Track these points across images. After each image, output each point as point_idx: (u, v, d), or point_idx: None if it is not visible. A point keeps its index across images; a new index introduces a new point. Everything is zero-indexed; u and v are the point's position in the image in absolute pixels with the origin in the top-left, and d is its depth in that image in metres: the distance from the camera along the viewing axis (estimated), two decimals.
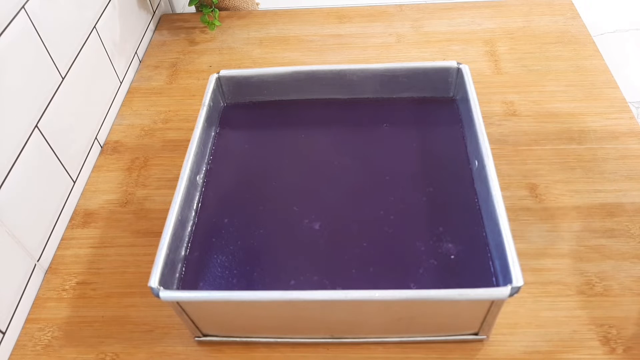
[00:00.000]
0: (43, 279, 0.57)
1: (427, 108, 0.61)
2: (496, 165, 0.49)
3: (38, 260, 0.56)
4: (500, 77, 0.75)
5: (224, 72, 0.61)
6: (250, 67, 0.80)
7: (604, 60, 0.76)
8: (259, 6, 0.95)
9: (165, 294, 0.43)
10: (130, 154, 0.69)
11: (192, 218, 0.53)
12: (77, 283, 0.56)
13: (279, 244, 0.51)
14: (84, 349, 0.51)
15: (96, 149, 0.69)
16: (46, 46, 0.58)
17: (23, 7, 0.55)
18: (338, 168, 0.57)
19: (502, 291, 0.42)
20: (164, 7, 0.93)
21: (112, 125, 0.73)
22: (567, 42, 0.79)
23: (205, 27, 0.87)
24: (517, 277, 0.42)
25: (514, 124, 0.68)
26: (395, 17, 0.86)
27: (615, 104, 0.69)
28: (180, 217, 0.49)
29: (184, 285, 0.48)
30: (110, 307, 0.54)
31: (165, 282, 0.45)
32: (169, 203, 0.49)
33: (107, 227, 0.61)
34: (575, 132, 0.66)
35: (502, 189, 0.48)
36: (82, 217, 0.62)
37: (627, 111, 0.68)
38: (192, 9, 0.92)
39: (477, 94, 0.56)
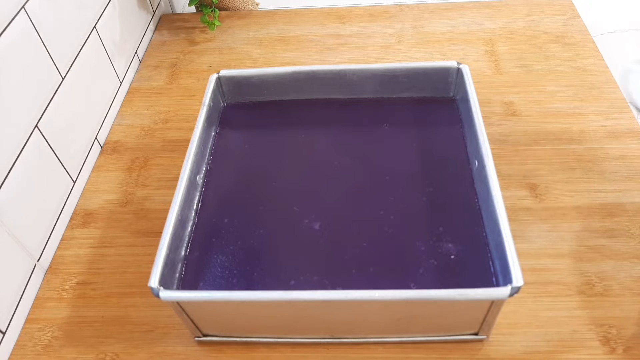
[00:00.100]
0: (43, 279, 0.57)
1: (427, 108, 0.61)
2: (496, 165, 0.49)
3: (38, 260, 0.56)
4: (500, 77, 0.75)
5: (224, 72, 0.61)
6: (250, 67, 0.80)
7: (604, 60, 0.76)
8: (259, 6, 0.95)
9: (165, 294, 0.43)
10: (130, 154, 0.69)
11: (192, 218, 0.53)
12: (77, 283, 0.56)
13: (279, 244, 0.51)
14: (84, 349, 0.51)
15: (96, 149, 0.69)
16: (46, 46, 0.58)
17: (23, 7, 0.55)
18: (338, 168, 0.57)
19: (502, 291, 0.42)
20: (164, 7, 0.93)
21: (112, 125, 0.73)
22: (567, 42, 0.79)
23: (205, 27, 0.87)
24: (517, 277, 0.42)
25: (514, 124, 0.68)
26: (395, 17, 0.86)
27: (615, 104, 0.69)
28: (180, 217, 0.49)
29: (184, 285, 0.48)
30: (110, 307, 0.54)
31: (165, 282, 0.45)
32: (169, 203, 0.49)
33: (107, 227, 0.61)
34: (575, 132, 0.66)
35: (502, 189, 0.48)
36: (82, 217, 0.62)
37: (627, 111, 0.68)
38: (192, 9, 0.92)
39: (477, 94, 0.56)
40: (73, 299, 0.55)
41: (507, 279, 0.42)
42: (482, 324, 0.47)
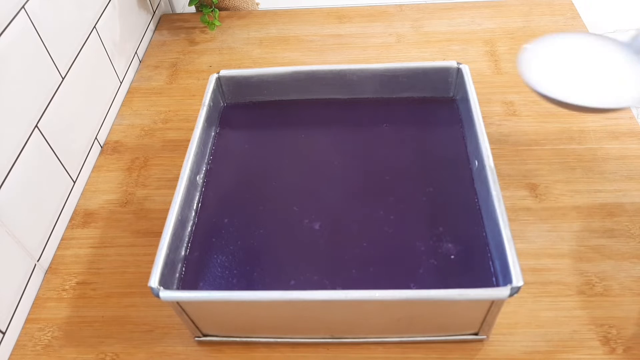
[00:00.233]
0: (43, 279, 0.57)
1: (427, 108, 0.61)
2: (496, 165, 0.49)
3: (38, 260, 0.56)
4: (500, 77, 0.75)
5: (224, 72, 0.61)
6: (250, 67, 0.80)
7: None
8: (259, 6, 0.95)
9: (165, 294, 0.43)
10: (130, 154, 0.69)
11: (192, 218, 0.53)
12: (77, 283, 0.56)
13: (279, 244, 0.51)
14: (84, 349, 0.51)
15: (96, 149, 0.69)
16: (46, 46, 0.58)
17: (23, 7, 0.55)
18: (338, 168, 0.57)
19: (502, 291, 0.42)
20: (164, 7, 0.93)
21: (112, 125, 0.73)
22: None
23: (205, 27, 0.87)
24: (517, 277, 0.42)
25: (514, 124, 0.68)
26: (395, 17, 0.86)
27: None
28: (180, 217, 0.49)
29: (184, 285, 0.48)
30: (110, 307, 0.54)
31: (165, 282, 0.45)
32: (169, 203, 0.49)
33: (107, 227, 0.61)
34: (575, 132, 0.66)
35: (502, 189, 0.48)
36: (82, 217, 0.62)
37: (627, 111, 0.68)
38: (192, 9, 0.92)
39: (477, 94, 0.56)
40: (73, 299, 0.55)
41: (507, 279, 0.42)
42: (482, 324, 0.47)
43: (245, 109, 0.63)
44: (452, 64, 0.59)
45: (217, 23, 0.86)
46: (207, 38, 0.86)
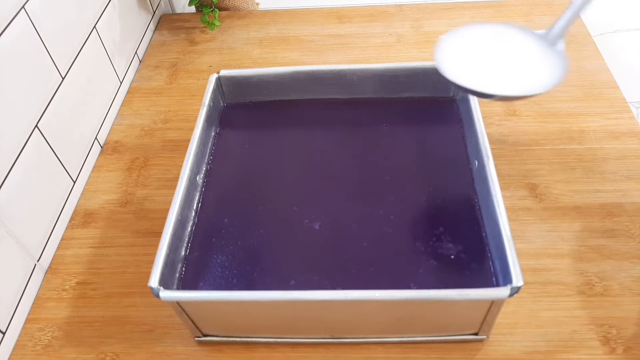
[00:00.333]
0: (43, 279, 0.57)
1: (427, 108, 0.61)
2: (496, 165, 0.49)
3: (38, 260, 0.56)
4: None
5: (224, 72, 0.61)
6: (250, 67, 0.80)
7: (604, 60, 0.76)
8: (259, 6, 0.95)
9: (165, 294, 0.43)
10: (130, 154, 0.69)
11: (192, 218, 0.53)
12: (77, 283, 0.56)
13: (279, 244, 0.51)
14: (84, 349, 0.51)
15: (96, 149, 0.69)
16: (46, 46, 0.58)
17: (23, 7, 0.55)
18: (338, 168, 0.57)
19: (502, 291, 0.42)
20: (164, 7, 0.93)
21: (112, 125, 0.73)
22: (567, 42, 0.78)
23: (205, 27, 0.87)
24: (517, 277, 0.42)
25: (514, 124, 0.68)
26: (395, 17, 0.86)
27: (615, 104, 0.69)
28: (180, 217, 0.49)
29: (184, 285, 0.48)
30: (110, 307, 0.54)
31: (165, 282, 0.45)
32: (169, 203, 0.49)
33: (107, 227, 0.61)
34: (575, 132, 0.66)
35: (502, 189, 0.48)
36: (82, 217, 0.62)
37: (627, 111, 0.68)
38: (192, 9, 0.92)
39: None
40: (73, 299, 0.55)
41: (507, 279, 0.42)
42: (482, 324, 0.47)
43: (245, 109, 0.63)
44: None
45: (217, 23, 0.86)
46: (207, 38, 0.86)
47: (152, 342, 0.51)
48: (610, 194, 0.59)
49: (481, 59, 0.50)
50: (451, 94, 0.62)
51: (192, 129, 0.55)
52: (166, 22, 0.90)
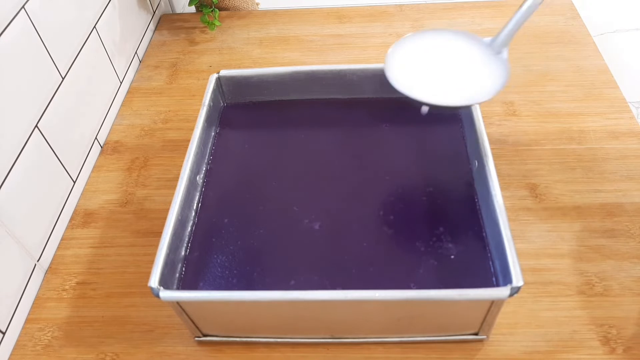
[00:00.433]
0: (43, 279, 0.57)
1: None
2: (496, 165, 0.49)
3: (38, 260, 0.56)
4: None
5: (224, 72, 0.61)
6: (250, 67, 0.80)
7: (604, 60, 0.76)
8: (259, 6, 0.95)
9: (165, 294, 0.43)
10: (130, 154, 0.69)
11: (192, 218, 0.53)
12: (77, 283, 0.56)
13: (279, 244, 0.51)
14: (84, 349, 0.51)
15: (96, 149, 0.69)
16: (46, 46, 0.58)
17: (23, 7, 0.55)
18: (338, 168, 0.57)
19: (502, 291, 0.42)
20: (164, 7, 0.93)
21: (112, 125, 0.73)
22: (567, 42, 0.79)
23: (205, 27, 0.87)
24: (517, 277, 0.42)
25: (514, 124, 0.68)
26: (395, 17, 0.86)
27: (615, 104, 0.69)
28: (180, 217, 0.49)
29: (184, 285, 0.48)
30: (110, 307, 0.54)
31: (165, 282, 0.45)
32: (169, 203, 0.49)
33: (107, 227, 0.61)
34: (575, 132, 0.66)
35: (502, 189, 0.48)
36: (82, 217, 0.62)
37: (627, 111, 0.68)
38: (192, 9, 0.92)
39: None
40: (73, 299, 0.55)
41: (507, 279, 0.42)
42: (482, 324, 0.47)
43: (245, 109, 0.63)
44: None
45: (217, 23, 0.86)
46: (207, 38, 0.86)
47: (152, 342, 0.51)
48: (610, 194, 0.59)
49: (427, 69, 0.51)
50: None
51: (192, 129, 0.55)
52: (166, 22, 0.90)
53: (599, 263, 0.54)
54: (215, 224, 0.52)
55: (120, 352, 0.51)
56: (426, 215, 0.51)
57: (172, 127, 0.72)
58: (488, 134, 0.52)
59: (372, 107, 0.62)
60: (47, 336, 0.52)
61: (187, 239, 0.51)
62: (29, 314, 0.54)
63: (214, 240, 0.51)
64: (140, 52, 0.83)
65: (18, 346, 0.52)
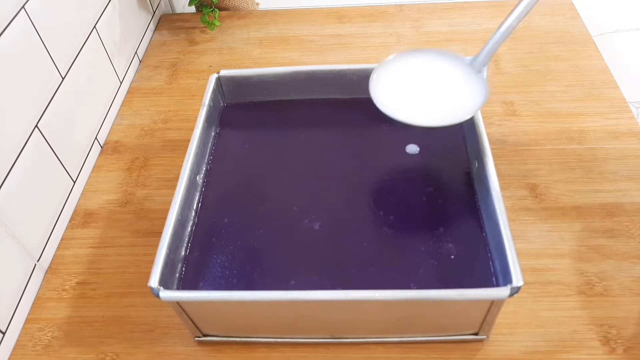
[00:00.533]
0: (43, 279, 0.57)
1: None
2: (496, 165, 0.49)
3: (38, 260, 0.56)
4: (500, 77, 0.75)
5: (224, 72, 0.61)
6: (250, 67, 0.80)
7: (604, 60, 0.76)
8: (259, 6, 0.95)
9: (165, 294, 0.43)
10: (130, 154, 0.69)
11: (192, 218, 0.53)
12: (77, 283, 0.56)
13: (279, 244, 0.51)
14: (84, 349, 0.51)
15: (96, 149, 0.69)
16: (46, 46, 0.58)
17: (23, 7, 0.55)
18: (338, 168, 0.57)
19: (502, 291, 0.42)
20: (164, 7, 0.93)
21: (112, 125, 0.73)
22: (567, 42, 0.79)
23: (205, 27, 0.87)
24: (517, 277, 0.42)
25: (514, 124, 0.68)
26: (395, 17, 0.86)
27: (615, 104, 0.69)
28: (180, 217, 0.49)
29: (184, 285, 0.48)
30: (110, 307, 0.54)
31: (165, 282, 0.45)
32: (169, 203, 0.49)
33: (107, 227, 0.61)
34: (575, 132, 0.66)
35: (502, 189, 0.48)
36: (82, 217, 0.62)
37: (627, 111, 0.68)
38: (192, 9, 0.92)
39: None
40: (73, 299, 0.55)
41: (507, 279, 0.42)
42: (482, 324, 0.47)
43: (245, 109, 0.63)
44: None
45: (217, 23, 0.86)
46: (207, 38, 0.86)
47: (152, 342, 0.51)
48: (610, 194, 0.59)
49: (411, 92, 0.53)
50: None
51: (192, 129, 0.55)
52: (166, 22, 0.90)
53: (599, 263, 0.54)
54: (215, 224, 0.52)
55: (120, 352, 0.51)
56: (426, 215, 0.51)
57: (172, 127, 0.72)
58: (488, 134, 0.52)
59: (372, 107, 0.62)
60: (47, 336, 0.52)
61: (187, 239, 0.51)
62: (29, 314, 0.54)
63: (214, 240, 0.51)
64: (140, 52, 0.83)
65: (18, 346, 0.52)
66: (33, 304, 0.55)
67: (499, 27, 0.50)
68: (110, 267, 0.57)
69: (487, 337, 0.49)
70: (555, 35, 0.80)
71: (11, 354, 0.51)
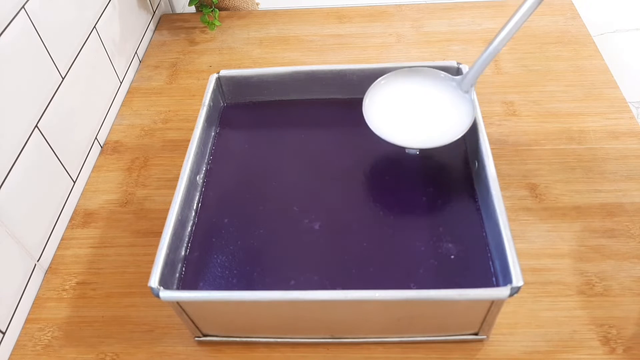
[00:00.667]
0: (43, 279, 0.57)
1: None
2: (496, 165, 0.49)
3: (38, 260, 0.56)
4: (500, 77, 0.75)
5: (224, 72, 0.61)
6: (250, 67, 0.80)
7: (604, 60, 0.76)
8: (259, 6, 0.95)
9: (165, 294, 0.43)
10: (130, 154, 0.69)
11: (192, 218, 0.53)
12: (77, 283, 0.56)
13: (279, 244, 0.51)
14: (84, 349, 0.51)
15: (96, 149, 0.69)
16: (46, 46, 0.58)
17: (23, 7, 0.55)
18: (338, 168, 0.57)
19: (502, 291, 0.42)
20: (164, 7, 0.93)
21: (112, 125, 0.73)
22: (567, 42, 0.79)
23: (205, 27, 0.87)
24: (517, 277, 0.42)
25: (514, 124, 0.68)
26: (395, 17, 0.86)
27: (615, 104, 0.69)
28: (180, 217, 0.49)
29: (184, 285, 0.48)
30: (110, 307, 0.54)
31: (165, 282, 0.45)
32: (169, 203, 0.49)
33: (107, 227, 0.61)
34: (575, 132, 0.66)
35: (502, 189, 0.48)
36: (82, 217, 0.62)
37: (627, 111, 0.68)
38: (192, 9, 0.92)
39: (477, 94, 0.56)
40: (73, 299, 0.55)
41: (507, 279, 0.42)
42: (482, 324, 0.47)
43: (245, 109, 0.63)
44: (452, 64, 0.59)
45: (217, 23, 0.86)
46: (207, 38, 0.86)
47: (152, 342, 0.51)
48: (610, 194, 0.59)
49: (402, 116, 0.56)
50: None
51: (192, 129, 0.55)
52: (166, 22, 0.90)
53: (599, 263, 0.54)
54: (215, 224, 0.52)
55: (120, 352, 0.51)
56: (426, 215, 0.51)
57: (172, 127, 0.72)
58: (488, 134, 0.52)
59: None
60: (47, 336, 0.52)
61: (187, 239, 0.51)
62: (29, 314, 0.54)
63: (214, 240, 0.51)
64: (140, 52, 0.83)
65: (18, 346, 0.52)
66: (33, 304, 0.55)
67: (484, 50, 0.52)
68: (110, 267, 0.57)
69: (487, 337, 0.49)
70: (555, 35, 0.80)
71: (11, 354, 0.51)
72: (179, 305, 0.45)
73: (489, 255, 0.48)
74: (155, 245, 0.46)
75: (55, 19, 0.60)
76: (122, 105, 0.76)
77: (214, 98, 0.60)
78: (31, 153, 0.56)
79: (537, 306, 0.51)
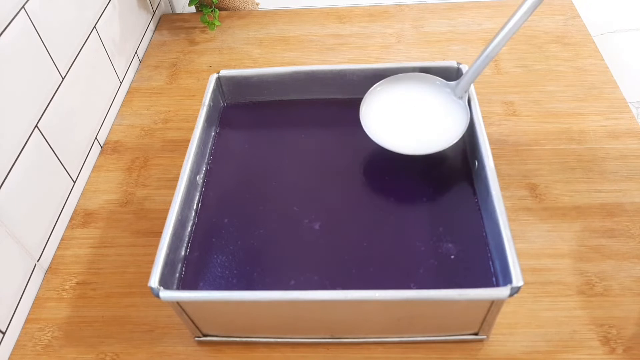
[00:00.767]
0: (43, 279, 0.57)
1: None
2: (496, 165, 0.49)
3: (38, 260, 0.56)
4: (500, 77, 0.75)
5: (224, 72, 0.61)
6: (250, 67, 0.80)
7: (604, 60, 0.76)
8: (259, 6, 0.95)
9: (165, 294, 0.43)
10: (130, 154, 0.69)
11: (192, 218, 0.53)
12: (77, 283, 0.56)
13: (279, 244, 0.51)
14: (84, 349, 0.51)
15: (96, 149, 0.69)
16: (46, 46, 0.58)
17: (23, 7, 0.55)
18: (338, 168, 0.57)
19: (502, 291, 0.42)
20: (164, 7, 0.93)
21: (112, 125, 0.73)
22: (567, 42, 0.79)
23: (205, 27, 0.87)
24: (517, 277, 0.42)
25: (514, 124, 0.68)
26: (395, 17, 0.86)
27: (615, 104, 0.69)
28: (180, 217, 0.49)
29: (184, 285, 0.48)
30: (110, 307, 0.54)
31: (165, 282, 0.45)
32: (169, 203, 0.49)
33: (107, 227, 0.61)
34: (575, 132, 0.66)
35: (502, 189, 0.48)
36: (82, 217, 0.62)
37: (627, 111, 0.68)
38: (192, 9, 0.92)
39: (477, 94, 0.56)
40: (73, 299, 0.55)
41: (507, 279, 0.42)
42: (482, 324, 0.47)
43: (245, 109, 0.63)
44: (452, 64, 0.59)
45: (217, 23, 0.86)
46: (207, 38, 0.86)
47: (152, 342, 0.51)
48: (610, 194, 0.59)
49: (398, 123, 0.57)
50: None
51: (192, 129, 0.55)
52: (166, 22, 0.90)
53: (599, 263, 0.54)
54: (215, 224, 0.52)
55: (120, 352, 0.51)
56: (426, 215, 0.51)
57: (172, 127, 0.72)
58: (488, 134, 0.52)
59: None
60: (47, 336, 0.52)
61: (187, 239, 0.51)
62: (29, 314, 0.54)
63: (214, 240, 0.51)
64: (140, 52, 0.83)
65: (18, 346, 0.52)
66: (33, 304, 0.55)
67: (479, 56, 0.52)
68: (110, 267, 0.57)
69: (487, 337, 0.49)
70: (555, 35, 0.80)
71: (11, 354, 0.51)
72: (179, 305, 0.45)
73: (489, 255, 0.48)
74: (155, 245, 0.46)
75: (55, 19, 0.60)
76: (122, 105, 0.76)
77: (214, 98, 0.60)
78: (31, 153, 0.56)
79: (537, 306, 0.51)
